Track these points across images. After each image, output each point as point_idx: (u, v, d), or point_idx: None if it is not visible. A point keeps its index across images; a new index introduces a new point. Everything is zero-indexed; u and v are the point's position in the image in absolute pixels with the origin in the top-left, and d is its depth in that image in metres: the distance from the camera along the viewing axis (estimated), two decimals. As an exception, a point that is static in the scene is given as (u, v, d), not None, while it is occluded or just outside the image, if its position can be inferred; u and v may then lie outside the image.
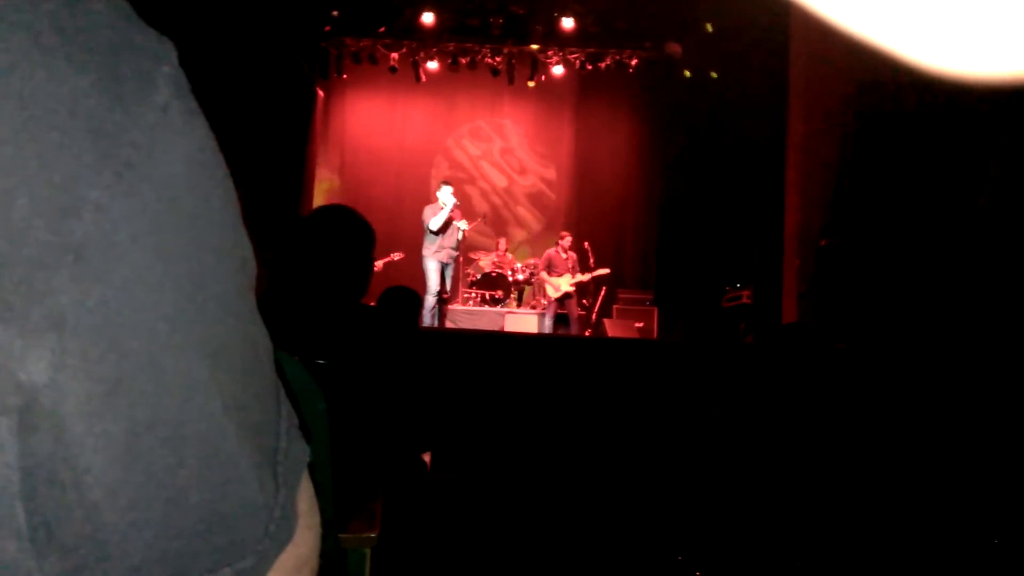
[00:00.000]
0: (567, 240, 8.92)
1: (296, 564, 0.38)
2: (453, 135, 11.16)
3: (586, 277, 8.79)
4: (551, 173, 11.28)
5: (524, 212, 11.23)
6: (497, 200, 11.13)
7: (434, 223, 7.88)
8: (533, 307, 9.15)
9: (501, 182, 11.21)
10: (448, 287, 8.16)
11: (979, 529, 2.23)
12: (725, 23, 9.01)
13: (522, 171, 11.29)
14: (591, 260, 9.16)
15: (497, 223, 10.52)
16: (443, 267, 8.02)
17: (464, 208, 10.47)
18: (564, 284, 8.63)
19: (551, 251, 8.89)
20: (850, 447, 2.71)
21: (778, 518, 3.14)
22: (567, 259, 8.81)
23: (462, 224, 8.12)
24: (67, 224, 0.28)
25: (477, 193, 11.07)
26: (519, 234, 10.90)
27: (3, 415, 0.27)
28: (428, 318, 7.80)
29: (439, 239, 7.93)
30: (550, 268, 8.79)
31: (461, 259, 9.15)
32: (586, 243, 9.45)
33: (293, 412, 0.40)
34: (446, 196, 7.91)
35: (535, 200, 11.26)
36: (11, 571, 0.27)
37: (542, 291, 8.98)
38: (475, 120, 11.21)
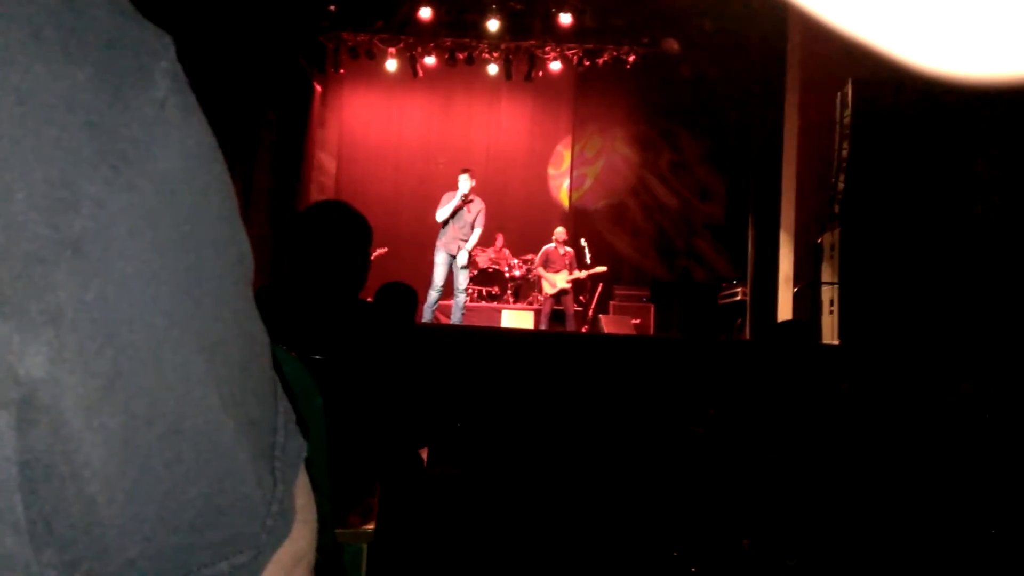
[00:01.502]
0: (562, 235, 8.90)
1: (293, 559, 0.38)
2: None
3: (583, 274, 8.78)
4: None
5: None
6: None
7: (440, 213, 7.63)
8: (530, 303, 9.15)
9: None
10: (460, 281, 7.72)
11: (976, 525, 2.24)
12: (722, 19, 9.01)
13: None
14: (588, 257, 9.17)
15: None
16: (451, 259, 7.65)
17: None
18: (560, 281, 8.62)
19: (548, 247, 8.88)
20: (846, 444, 2.71)
21: (773, 515, 3.15)
22: (564, 255, 8.81)
23: (475, 218, 7.66)
24: (65, 218, 0.28)
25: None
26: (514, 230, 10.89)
27: (2, 409, 0.27)
28: (428, 313, 7.59)
29: (448, 228, 7.63)
30: (547, 264, 8.78)
31: (476, 253, 9.07)
32: (583, 240, 9.46)
33: (290, 407, 0.40)
34: (463, 184, 7.57)
35: (542, 197, 11.25)
36: (9, 564, 0.27)
37: (539, 287, 8.97)
38: (471, 116, 11.19)
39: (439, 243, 7.68)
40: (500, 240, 9.49)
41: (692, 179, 10.93)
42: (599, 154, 11.16)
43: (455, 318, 7.79)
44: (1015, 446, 2.44)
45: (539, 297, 9.01)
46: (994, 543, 2.19)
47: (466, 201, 7.62)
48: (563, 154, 11.26)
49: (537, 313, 8.77)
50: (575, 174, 11.21)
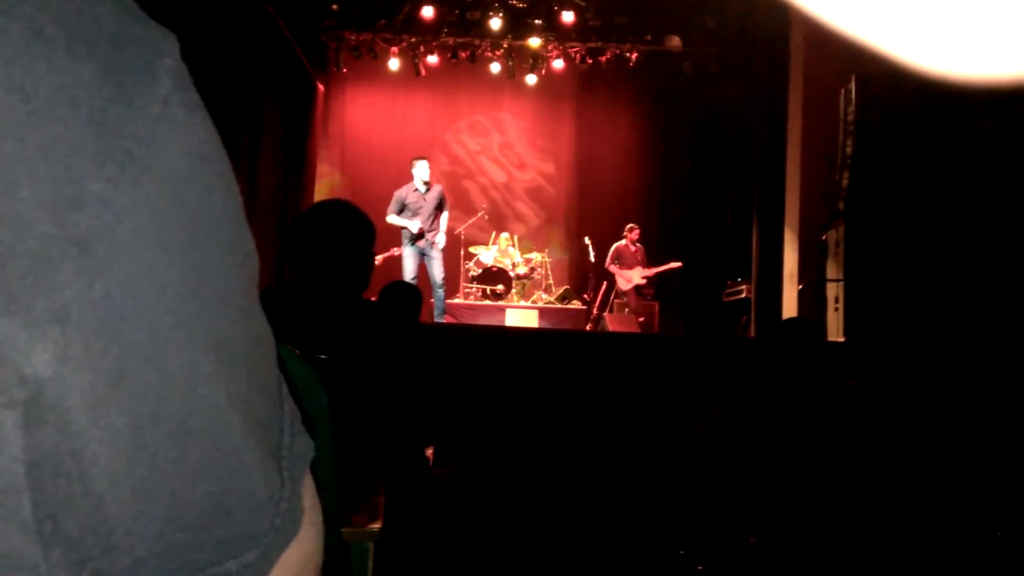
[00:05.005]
0: (635, 232, 9.01)
1: (301, 561, 0.38)
2: (451, 130, 11.14)
3: (659, 270, 8.91)
4: (550, 168, 11.27)
5: (523, 207, 11.22)
6: (496, 195, 11.11)
7: (392, 218, 7.48)
8: (534, 302, 9.16)
9: (500, 177, 11.20)
10: (437, 275, 7.53)
11: (981, 524, 2.24)
12: (725, 16, 9.00)
13: (521, 166, 11.27)
14: (592, 255, 9.18)
15: (496, 218, 10.51)
16: (420, 253, 7.47)
17: (463, 203, 10.43)
18: (636, 276, 8.75)
19: (619, 244, 9.00)
20: (852, 441, 2.71)
21: (778, 512, 3.15)
22: (636, 251, 8.90)
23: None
24: (70, 217, 0.28)
25: (476, 188, 11.06)
26: (518, 229, 10.88)
27: (8, 408, 0.27)
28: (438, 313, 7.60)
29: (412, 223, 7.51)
30: (620, 261, 8.87)
31: (462, 252, 9.08)
32: (587, 238, 9.46)
33: (296, 407, 0.40)
34: (422, 171, 7.43)
35: (534, 195, 11.25)
36: (17, 562, 0.27)
37: (615, 283, 9.09)
38: (474, 115, 11.19)
39: (404, 236, 7.48)
40: (505, 238, 9.48)
41: (695, 176, 10.91)
42: (602, 152, 11.15)
43: (436, 316, 7.65)
44: (1016, 442, 2.43)
45: (595, 295, 9.07)
46: (1000, 542, 2.18)
47: (423, 195, 7.43)
48: (565, 152, 11.24)
49: (540, 312, 8.77)
50: (577, 171, 11.19)
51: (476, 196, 10.88)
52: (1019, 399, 2.69)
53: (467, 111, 11.10)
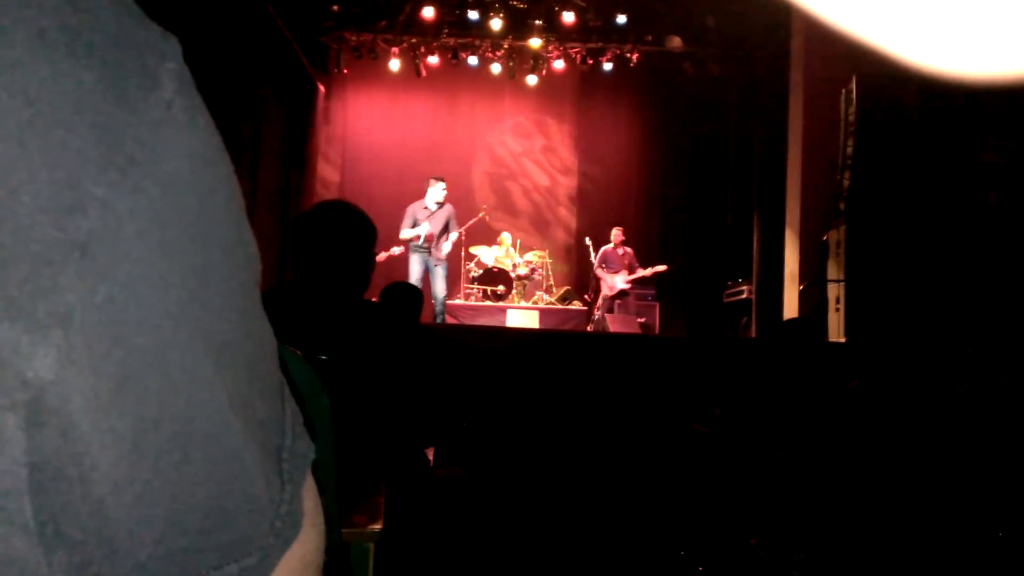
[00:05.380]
0: (619, 236, 8.88)
1: (302, 562, 0.38)
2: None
3: (647, 272, 8.71)
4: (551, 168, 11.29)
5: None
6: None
7: (405, 233, 7.77)
8: (535, 303, 9.16)
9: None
10: (439, 288, 7.78)
11: (982, 524, 2.24)
12: (726, 17, 8.99)
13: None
14: (593, 256, 9.16)
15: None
16: (425, 262, 7.73)
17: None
18: (619, 281, 8.62)
19: (606, 247, 8.90)
20: (852, 442, 2.71)
21: (780, 513, 3.15)
22: (623, 255, 8.78)
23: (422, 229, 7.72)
24: (72, 221, 0.28)
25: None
26: (520, 229, 10.88)
27: (10, 411, 0.27)
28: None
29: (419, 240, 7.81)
30: (606, 264, 8.79)
31: (463, 253, 9.11)
32: (588, 239, 9.45)
33: (297, 409, 0.40)
34: (436, 193, 7.76)
35: (546, 196, 11.25)
36: (20, 566, 0.27)
37: (597, 288, 8.98)
38: (475, 116, 11.19)
39: (412, 247, 7.76)
40: (506, 239, 9.48)
41: (696, 177, 10.91)
42: (602, 152, 11.15)
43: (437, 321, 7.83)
44: (1017, 440, 2.43)
45: (595, 296, 9.01)
46: (1000, 542, 2.18)
47: (432, 213, 7.70)
48: (567, 158, 11.24)
49: (541, 313, 8.76)
50: (578, 172, 11.20)
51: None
52: (1021, 399, 2.69)
53: (468, 112, 11.10)
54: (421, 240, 7.64)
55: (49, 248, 0.27)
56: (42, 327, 0.27)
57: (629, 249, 8.91)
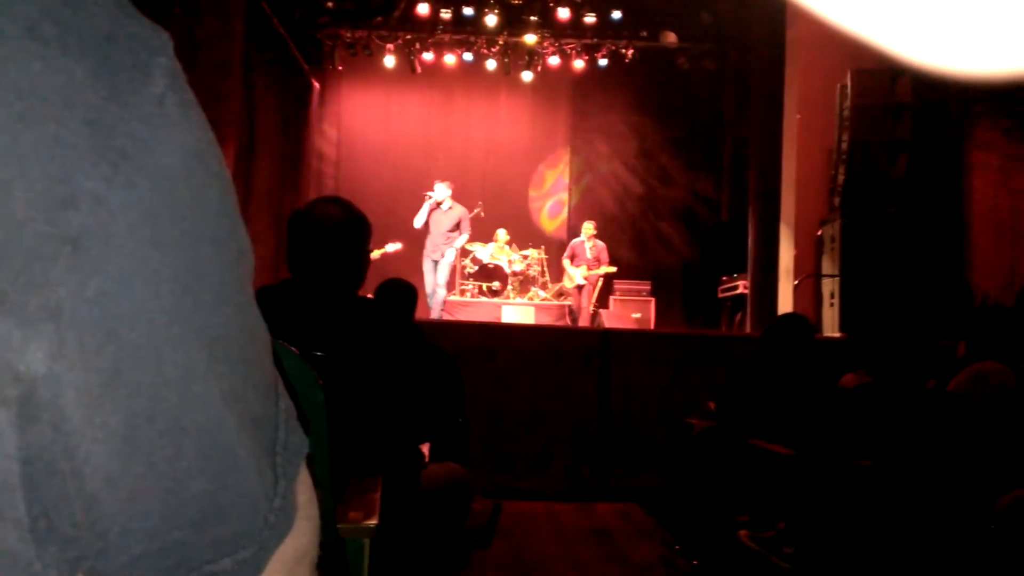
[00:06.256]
0: (590, 230, 8.92)
1: (296, 556, 0.38)
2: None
3: (600, 272, 8.81)
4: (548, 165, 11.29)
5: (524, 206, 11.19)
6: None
7: (416, 221, 8.07)
8: (530, 299, 9.16)
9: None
10: (440, 277, 8.08)
11: (977, 518, 2.25)
12: (721, 11, 8.99)
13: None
14: (589, 254, 9.16)
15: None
16: (435, 264, 8.02)
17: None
18: (578, 276, 8.66)
19: (575, 241, 8.97)
20: (844, 435, 2.72)
21: (769, 505, 3.16)
22: (591, 249, 8.80)
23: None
24: (64, 215, 0.28)
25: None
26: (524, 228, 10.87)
27: (2, 406, 0.27)
28: (437, 312, 7.93)
29: (430, 237, 8.07)
30: (573, 258, 8.83)
31: (476, 248, 9.19)
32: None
33: (291, 403, 0.40)
34: (438, 192, 8.01)
35: (541, 192, 11.25)
36: (12, 561, 0.27)
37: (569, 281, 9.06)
38: (470, 112, 11.17)
39: (424, 253, 8.07)
40: (501, 235, 9.48)
41: (691, 172, 10.92)
42: (598, 148, 11.14)
43: (434, 314, 7.92)
44: (1015, 436, 2.44)
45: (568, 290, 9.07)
46: (994, 537, 2.19)
47: (437, 207, 7.96)
48: (562, 154, 11.23)
49: (536, 309, 8.77)
50: (574, 169, 11.19)
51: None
52: (1016, 393, 2.70)
53: (463, 108, 11.07)
54: (423, 213, 7.94)
55: (41, 242, 0.27)
56: (34, 321, 0.27)
57: (600, 243, 8.92)
